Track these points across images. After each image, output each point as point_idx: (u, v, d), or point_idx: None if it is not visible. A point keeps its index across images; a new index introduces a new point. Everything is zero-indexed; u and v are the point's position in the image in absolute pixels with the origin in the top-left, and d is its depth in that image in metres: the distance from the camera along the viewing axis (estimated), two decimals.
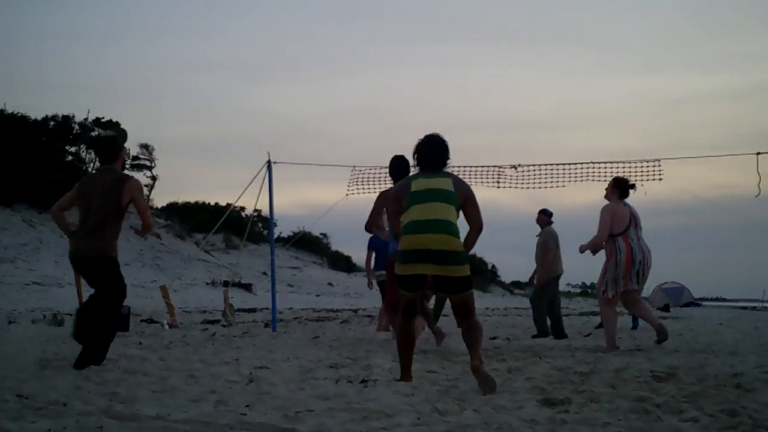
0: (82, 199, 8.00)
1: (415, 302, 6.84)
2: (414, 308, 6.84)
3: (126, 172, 8.68)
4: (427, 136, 6.92)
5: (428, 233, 6.46)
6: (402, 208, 6.72)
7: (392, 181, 10.43)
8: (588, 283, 62.87)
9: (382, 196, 10.23)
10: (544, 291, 13.62)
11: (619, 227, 10.31)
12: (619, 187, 10.62)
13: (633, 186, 10.78)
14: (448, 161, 6.92)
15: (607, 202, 10.57)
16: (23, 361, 7.60)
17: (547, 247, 13.54)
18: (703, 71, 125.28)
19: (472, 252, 7.20)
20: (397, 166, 10.17)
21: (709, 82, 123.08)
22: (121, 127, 38.29)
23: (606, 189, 10.73)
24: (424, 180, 6.73)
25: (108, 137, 8.47)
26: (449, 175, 6.83)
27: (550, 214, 13.84)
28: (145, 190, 44.42)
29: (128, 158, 42.47)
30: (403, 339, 6.78)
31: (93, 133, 37.26)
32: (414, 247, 6.49)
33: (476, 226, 6.77)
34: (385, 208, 10.16)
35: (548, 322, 13.39)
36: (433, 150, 6.88)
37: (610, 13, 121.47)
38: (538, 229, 13.84)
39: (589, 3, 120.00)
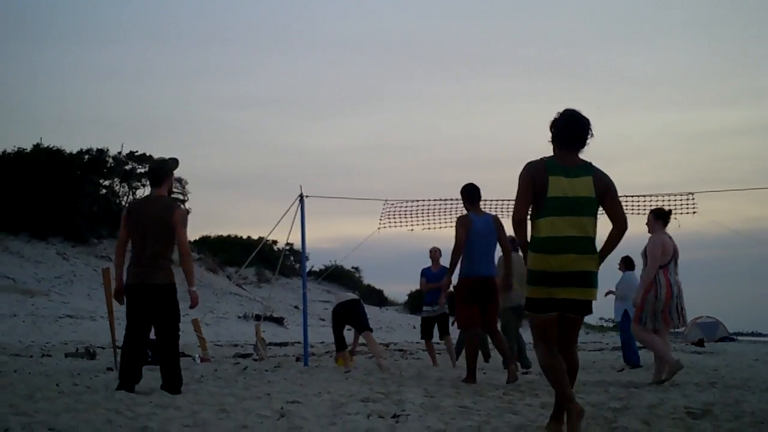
0: (134, 228, 8.15)
1: (553, 325, 5.90)
2: (553, 332, 5.91)
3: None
4: (566, 110, 6.07)
5: (571, 253, 5.74)
6: (534, 200, 5.88)
7: (464, 207, 10.43)
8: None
9: (461, 220, 10.17)
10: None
11: (663, 260, 10.02)
12: (662, 218, 10.30)
13: (671, 212, 10.55)
14: (588, 141, 6.02)
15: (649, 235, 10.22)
16: (56, 394, 7.63)
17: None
18: (735, 105, 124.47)
19: None
20: (469, 193, 10.34)
21: (741, 115, 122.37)
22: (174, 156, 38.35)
23: (647, 222, 10.36)
24: (565, 180, 5.84)
25: (157, 161, 8.63)
26: (590, 170, 5.95)
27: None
28: None
29: (178, 186, 41.89)
30: (554, 368, 5.88)
31: (127, 167, 37.64)
32: (554, 269, 5.75)
33: (621, 224, 6.00)
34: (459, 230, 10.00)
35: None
36: (574, 127, 6.01)
37: (641, 51, 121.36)
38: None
39: (619, 41, 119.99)
